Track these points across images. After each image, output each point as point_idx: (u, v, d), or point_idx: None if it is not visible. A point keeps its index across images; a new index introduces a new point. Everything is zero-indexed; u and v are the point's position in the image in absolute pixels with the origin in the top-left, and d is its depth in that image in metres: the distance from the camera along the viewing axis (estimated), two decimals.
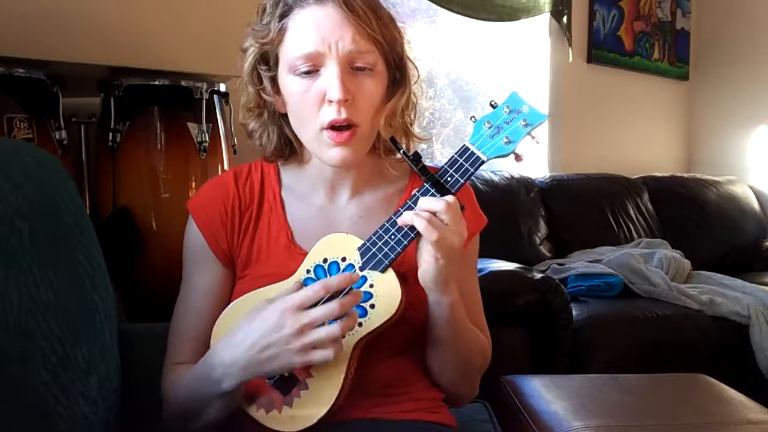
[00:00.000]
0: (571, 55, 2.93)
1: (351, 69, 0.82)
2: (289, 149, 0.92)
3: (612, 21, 3.15)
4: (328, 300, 0.73)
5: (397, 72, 0.89)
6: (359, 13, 0.81)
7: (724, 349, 1.96)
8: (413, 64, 0.91)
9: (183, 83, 1.44)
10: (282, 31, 0.83)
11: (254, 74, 0.88)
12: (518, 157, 0.80)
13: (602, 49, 3.11)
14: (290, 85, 0.84)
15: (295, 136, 0.89)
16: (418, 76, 0.92)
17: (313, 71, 0.82)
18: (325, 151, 0.84)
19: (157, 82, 1.43)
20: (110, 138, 1.39)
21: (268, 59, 0.87)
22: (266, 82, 0.87)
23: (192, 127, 1.43)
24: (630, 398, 1.17)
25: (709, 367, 1.63)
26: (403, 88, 0.89)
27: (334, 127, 0.81)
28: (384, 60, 0.86)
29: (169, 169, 1.42)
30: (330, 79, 0.80)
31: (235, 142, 1.56)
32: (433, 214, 0.75)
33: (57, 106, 1.31)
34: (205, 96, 1.44)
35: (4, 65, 1.24)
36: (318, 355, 0.71)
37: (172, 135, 1.43)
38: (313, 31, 0.81)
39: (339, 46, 0.80)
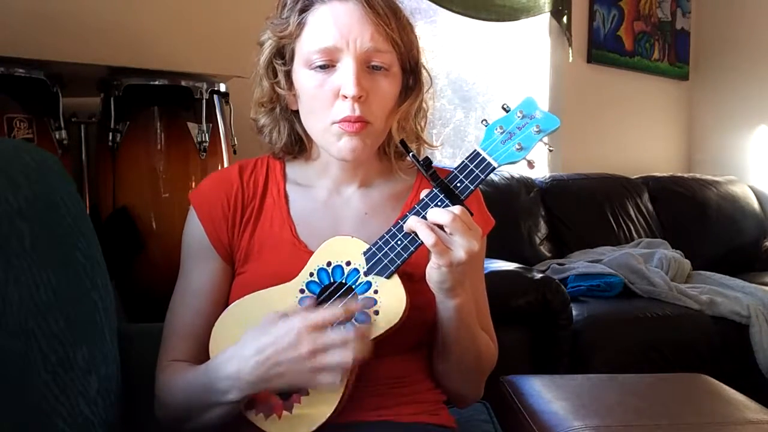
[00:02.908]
0: (571, 55, 2.93)
1: (367, 67, 0.82)
2: (299, 147, 0.92)
3: (612, 21, 3.15)
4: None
5: (411, 77, 0.89)
6: (380, 12, 0.81)
7: (724, 349, 1.96)
8: (427, 71, 0.91)
9: (183, 83, 1.43)
10: (301, 25, 0.83)
11: (270, 68, 0.88)
12: (530, 164, 0.79)
13: (602, 49, 3.11)
14: (304, 78, 0.84)
15: (306, 132, 0.89)
16: (431, 84, 0.92)
17: (328, 66, 0.82)
18: (334, 142, 0.83)
19: (157, 82, 1.43)
20: (110, 138, 1.39)
21: (284, 53, 0.87)
22: (281, 76, 0.87)
23: (192, 127, 1.43)
24: (630, 398, 1.17)
25: (709, 367, 1.63)
26: (416, 93, 0.89)
27: (347, 122, 0.81)
28: (400, 62, 0.86)
29: (169, 169, 1.42)
30: (345, 74, 0.80)
31: (235, 142, 1.56)
32: (440, 226, 0.74)
33: (57, 106, 1.31)
34: (205, 96, 1.44)
35: (4, 65, 1.24)
36: (325, 378, 0.71)
37: (172, 135, 1.43)
38: (332, 26, 0.81)
39: (357, 42, 0.80)
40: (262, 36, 0.88)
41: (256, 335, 0.74)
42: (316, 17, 0.83)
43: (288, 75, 0.87)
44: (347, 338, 0.70)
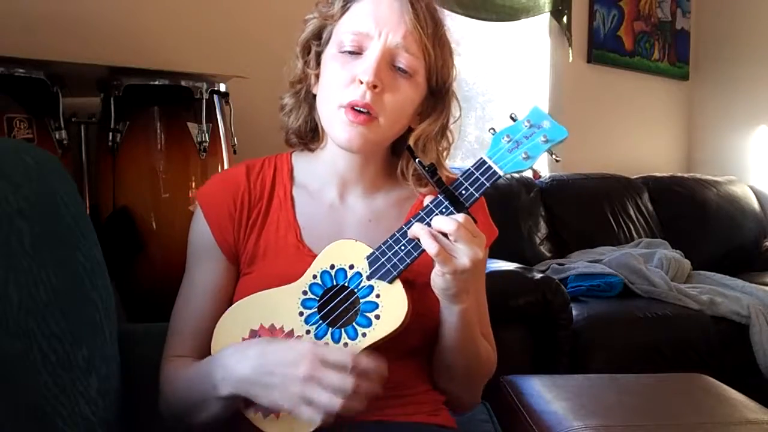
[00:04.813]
0: (571, 55, 2.93)
1: (392, 65, 0.83)
2: (312, 135, 0.93)
3: (612, 21, 3.15)
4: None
5: (438, 100, 0.89)
6: (420, 15, 0.83)
7: (724, 349, 1.96)
8: (458, 101, 0.92)
9: (183, 83, 1.43)
10: (344, 9, 0.87)
11: (305, 48, 0.91)
12: (536, 174, 0.80)
13: (602, 49, 3.11)
14: (330, 60, 0.86)
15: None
16: (460, 115, 0.92)
17: (356, 53, 0.84)
18: (337, 128, 0.84)
19: (157, 82, 1.42)
20: (110, 138, 1.39)
21: (321, 35, 0.89)
22: (311, 56, 0.90)
23: (192, 127, 1.43)
24: (630, 398, 1.17)
25: (709, 367, 1.64)
26: (436, 114, 0.89)
27: (353, 108, 0.82)
28: (426, 74, 0.86)
29: (169, 169, 1.42)
30: (367, 61, 0.82)
31: (235, 142, 1.56)
32: (444, 234, 0.74)
33: (57, 106, 1.31)
34: (205, 96, 1.43)
35: (4, 65, 1.24)
36: (305, 413, 0.70)
37: (172, 135, 1.43)
38: (371, 15, 0.83)
39: (389, 36, 0.82)
40: (307, 15, 0.91)
41: (268, 341, 0.76)
42: (360, 5, 0.85)
43: (318, 56, 0.89)
44: (344, 387, 0.69)
